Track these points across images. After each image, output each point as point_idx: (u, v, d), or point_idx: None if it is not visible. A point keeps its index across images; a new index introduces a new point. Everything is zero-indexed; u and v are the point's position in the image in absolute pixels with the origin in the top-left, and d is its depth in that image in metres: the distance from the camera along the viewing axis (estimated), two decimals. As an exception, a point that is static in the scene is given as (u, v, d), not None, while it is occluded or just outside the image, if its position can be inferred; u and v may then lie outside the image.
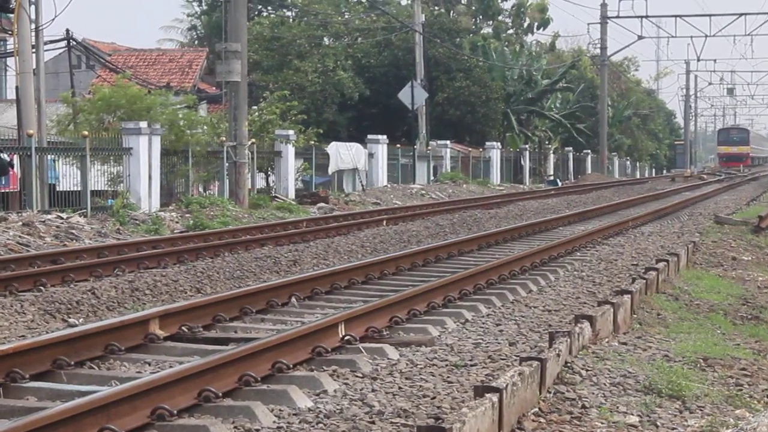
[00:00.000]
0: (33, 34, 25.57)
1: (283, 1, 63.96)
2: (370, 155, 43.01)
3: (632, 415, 7.54)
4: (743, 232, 23.68)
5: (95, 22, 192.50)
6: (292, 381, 8.29)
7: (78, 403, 6.74)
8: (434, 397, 7.91)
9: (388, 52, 57.22)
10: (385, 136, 44.36)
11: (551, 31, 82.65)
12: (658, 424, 7.37)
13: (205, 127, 32.15)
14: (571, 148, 75.55)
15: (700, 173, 78.65)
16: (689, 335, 10.92)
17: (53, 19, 33.97)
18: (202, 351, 9.45)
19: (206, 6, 65.48)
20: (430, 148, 50.78)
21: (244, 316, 11.53)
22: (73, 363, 8.79)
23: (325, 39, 58.25)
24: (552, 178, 65.59)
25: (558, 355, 8.33)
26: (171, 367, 8.44)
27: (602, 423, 7.30)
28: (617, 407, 7.70)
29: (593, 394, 7.98)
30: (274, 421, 7.30)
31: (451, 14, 68.23)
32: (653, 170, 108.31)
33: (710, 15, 66.28)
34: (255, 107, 36.30)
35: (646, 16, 67.18)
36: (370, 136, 44.15)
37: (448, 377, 8.60)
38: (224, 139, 30.00)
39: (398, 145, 47.44)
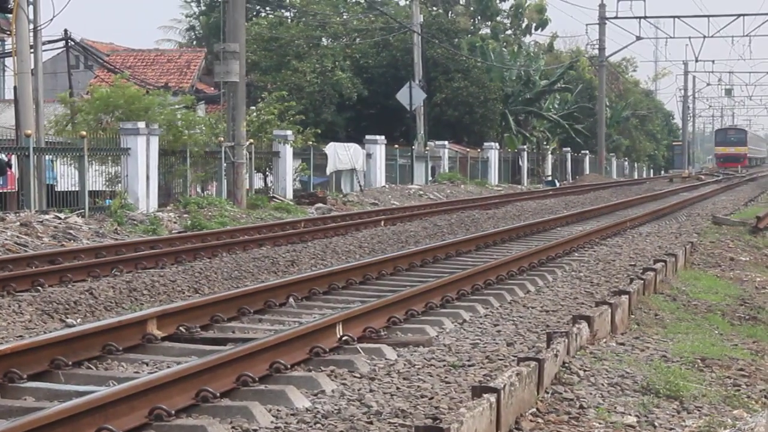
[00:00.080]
0: (31, 34, 25.56)
1: (281, 1, 63.94)
2: (368, 156, 43.02)
3: (630, 415, 7.54)
4: (741, 233, 23.70)
5: (93, 23, 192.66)
6: (289, 381, 8.29)
7: (76, 404, 6.74)
8: (432, 398, 7.91)
9: (386, 52, 57.24)
10: (383, 137, 44.37)
11: (549, 32, 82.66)
12: (656, 424, 7.38)
13: (203, 128, 32.14)
14: (569, 149, 75.58)
15: (698, 174, 78.67)
16: (687, 336, 10.92)
17: (51, 19, 33.98)
18: (200, 351, 9.45)
19: (204, 6, 65.49)
20: (428, 148, 50.79)
21: (242, 317, 11.52)
22: (70, 363, 8.79)
23: (324, 39, 58.26)
24: (550, 178, 65.62)
25: (556, 356, 8.33)
26: (169, 367, 8.44)
27: (600, 423, 7.30)
28: (615, 407, 7.70)
29: (591, 394, 7.99)
30: (272, 422, 7.30)
31: (450, 15, 68.25)
32: (651, 171, 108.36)
33: (708, 16, 66.29)
34: (253, 107, 36.31)
35: (645, 17, 67.22)
36: (368, 137, 44.15)
37: (446, 377, 8.60)
38: (222, 139, 30.00)
39: (396, 146, 47.45)
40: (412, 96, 46.35)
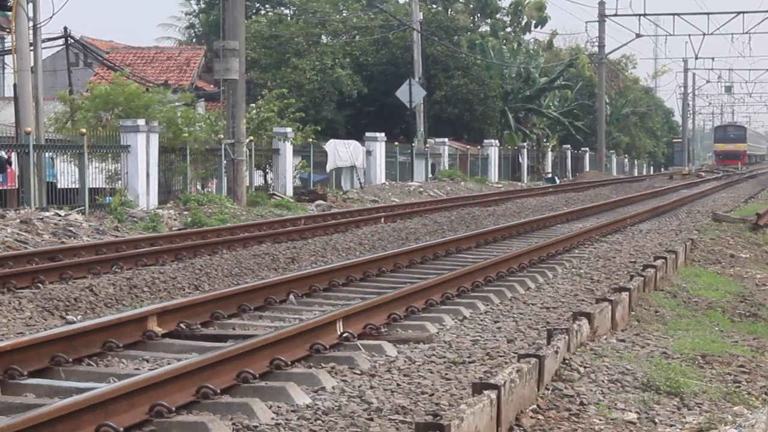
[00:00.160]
0: (31, 31, 25.54)
1: (281, -2, 63.99)
2: (368, 153, 43.01)
3: (630, 411, 7.54)
4: (741, 230, 23.70)
5: (93, 20, 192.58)
6: (290, 378, 8.29)
7: (76, 400, 6.74)
8: (432, 394, 7.91)
9: (386, 50, 57.23)
10: (383, 134, 44.36)
11: (549, 29, 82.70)
12: (657, 420, 7.38)
13: (203, 125, 32.14)
14: (569, 146, 75.57)
15: (698, 171, 78.67)
16: (687, 332, 10.92)
17: (51, 17, 34.05)
18: (201, 348, 9.46)
19: (204, 4, 65.46)
20: (428, 145, 50.79)
21: (242, 313, 11.53)
22: (71, 360, 8.79)
23: (323, 37, 58.26)
24: (550, 175, 65.60)
25: (556, 352, 8.33)
26: (169, 364, 8.44)
27: (600, 420, 7.30)
28: (615, 404, 7.70)
29: (591, 391, 7.99)
30: (273, 418, 7.30)
31: (449, 12, 68.21)
32: (651, 168, 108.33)
33: (708, 13, 66.26)
34: (253, 105, 36.29)
35: (644, 14, 67.26)
36: (368, 134, 44.14)
37: (447, 374, 8.60)
38: (222, 136, 29.99)
39: (396, 143, 47.44)
40: (411, 93, 46.35)
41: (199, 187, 32.25)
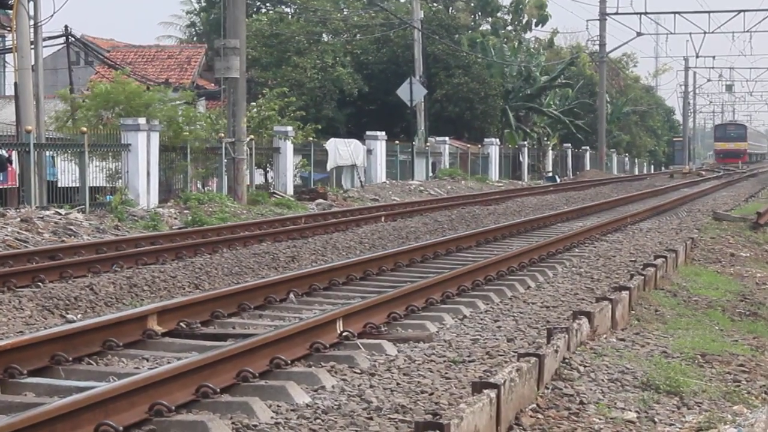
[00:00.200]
0: (31, 30, 25.54)
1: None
2: (369, 152, 43.01)
3: (630, 411, 7.54)
4: (741, 229, 23.69)
5: (94, 19, 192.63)
6: (290, 377, 8.29)
7: (76, 399, 6.74)
8: (432, 393, 7.91)
9: (386, 48, 57.23)
10: (383, 133, 44.36)
11: (550, 28, 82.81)
12: (656, 420, 7.38)
13: (204, 124, 32.13)
14: (569, 145, 75.56)
15: (698, 170, 78.64)
16: (687, 331, 10.92)
17: (52, 16, 34.09)
18: (200, 347, 9.45)
19: (205, 2, 65.46)
20: (428, 144, 50.78)
21: (242, 312, 11.53)
22: (71, 359, 8.79)
23: (324, 35, 58.25)
24: (550, 174, 65.59)
25: (556, 352, 8.33)
26: (169, 363, 8.44)
27: (600, 419, 7.30)
28: (615, 403, 7.70)
29: (591, 390, 7.99)
30: (272, 417, 7.30)
31: (450, 11, 68.18)
32: (652, 167, 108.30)
33: (709, 12, 66.24)
34: (254, 103, 36.29)
35: (645, 13, 67.21)
36: (368, 133, 44.15)
37: (446, 373, 8.60)
38: (223, 135, 29.99)
39: (397, 142, 47.44)
40: (412, 92, 46.34)
41: (199, 185, 32.25)
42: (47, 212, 22.03)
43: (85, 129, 25.64)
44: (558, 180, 61.29)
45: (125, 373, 8.34)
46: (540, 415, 7.24)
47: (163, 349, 9.63)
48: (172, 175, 30.14)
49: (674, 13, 66.53)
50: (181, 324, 10.42)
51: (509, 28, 76.24)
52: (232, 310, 11.45)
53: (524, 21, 76.91)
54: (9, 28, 27.44)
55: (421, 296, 12.00)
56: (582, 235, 20.59)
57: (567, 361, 8.62)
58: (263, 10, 63.44)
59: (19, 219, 20.51)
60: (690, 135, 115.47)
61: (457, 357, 9.19)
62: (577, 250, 18.69)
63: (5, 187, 25.39)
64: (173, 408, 7.14)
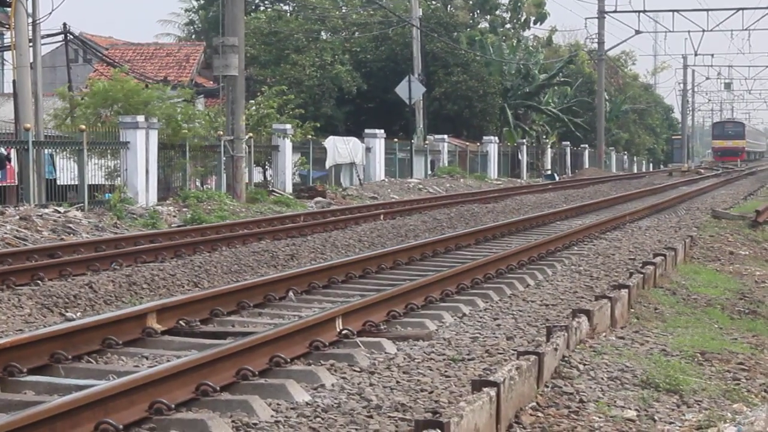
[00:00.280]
0: (30, 27, 25.53)
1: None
2: (368, 149, 43.00)
3: (630, 409, 7.54)
4: (740, 227, 23.69)
5: (92, 16, 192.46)
6: (289, 375, 8.29)
7: (75, 397, 6.74)
8: (432, 392, 7.91)
9: (385, 46, 57.22)
10: (382, 131, 44.36)
11: (548, 26, 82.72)
12: (656, 418, 7.38)
13: (203, 122, 32.12)
14: (568, 143, 75.55)
15: (697, 168, 78.64)
16: (687, 329, 10.92)
17: (50, 13, 34.03)
18: (200, 345, 9.45)
19: (203, 0, 65.43)
20: (427, 142, 50.77)
21: (241, 311, 11.53)
22: (70, 357, 8.79)
23: (323, 33, 58.22)
24: (549, 172, 65.58)
25: (555, 350, 8.33)
26: (169, 361, 8.45)
27: (600, 417, 7.30)
28: (615, 401, 7.70)
29: (591, 388, 7.99)
30: (272, 416, 7.30)
31: (448, 8, 68.16)
32: (650, 165, 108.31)
33: (708, 10, 66.23)
34: (252, 101, 36.30)
35: (644, 11, 67.21)
36: (367, 131, 44.14)
37: (446, 371, 8.60)
38: (221, 133, 29.98)
39: (395, 140, 47.43)
40: (411, 90, 46.31)
41: (198, 183, 32.25)
42: (46, 210, 22.02)
43: (83, 127, 25.63)
44: (557, 178, 61.29)
45: (125, 371, 8.34)
46: (540, 414, 7.24)
47: (163, 348, 9.62)
48: (171, 173, 30.13)
49: (673, 11, 66.56)
50: (181, 322, 10.42)
51: (508, 26, 76.21)
52: (232, 309, 11.44)
53: (523, 19, 76.86)
54: (7, 26, 27.42)
55: (421, 294, 12.00)
56: (581, 233, 20.59)
57: (566, 359, 8.61)
58: (262, 8, 63.41)
59: (18, 217, 20.50)
60: (689, 133, 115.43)
61: (457, 355, 9.19)
62: (576, 248, 18.69)
63: (4, 185, 25.38)
64: (173, 406, 7.14)
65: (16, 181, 25.08)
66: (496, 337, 10.09)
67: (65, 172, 25.86)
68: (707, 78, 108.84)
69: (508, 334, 10.24)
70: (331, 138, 41.01)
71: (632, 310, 11.59)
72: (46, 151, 25.06)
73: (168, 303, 10.71)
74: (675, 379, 8.23)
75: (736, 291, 14.57)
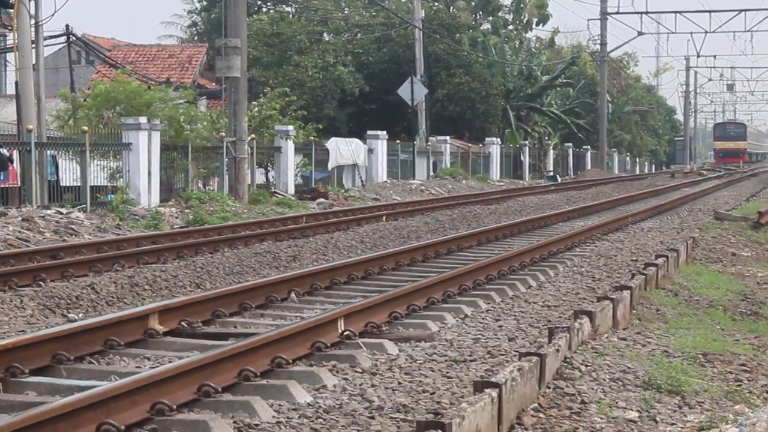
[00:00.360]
0: (32, 29, 25.54)
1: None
2: (370, 151, 43.00)
3: (632, 410, 7.54)
4: (743, 228, 23.69)
5: (95, 18, 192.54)
6: (291, 376, 8.29)
7: (77, 398, 6.74)
8: (434, 393, 7.91)
9: (387, 48, 57.23)
10: (384, 132, 44.35)
11: (551, 27, 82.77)
12: (658, 419, 7.38)
13: (205, 123, 32.13)
14: (570, 144, 75.54)
15: (699, 169, 78.60)
16: (689, 331, 10.92)
17: (53, 15, 34.08)
18: (202, 346, 9.45)
19: (206, 2, 65.45)
20: (429, 143, 50.77)
21: (243, 312, 11.53)
22: (72, 358, 8.79)
23: (325, 35, 58.23)
24: (552, 173, 65.56)
25: (557, 351, 8.33)
26: (170, 362, 8.45)
27: (602, 418, 7.30)
28: (617, 402, 7.70)
29: (593, 389, 7.99)
30: (274, 416, 7.30)
31: (451, 10, 68.16)
32: (653, 166, 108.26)
33: (710, 11, 66.20)
34: (255, 103, 36.28)
35: (646, 12, 67.20)
36: (369, 132, 44.14)
37: (448, 372, 8.60)
38: (224, 134, 30.00)
39: (398, 141, 47.43)
40: (413, 91, 46.34)
41: (200, 185, 32.25)
42: (48, 211, 22.03)
43: (86, 128, 25.63)
44: (559, 179, 61.26)
45: (127, 372, 8.34)
46: (541, 415, 7.24)
47: (165, 349, 9.63)
48: (174, 175, 30.13)
49: (675, 12, 66.57)
50: (183, 323, 10.42)
51: (510, 27, 76.24)
52: (234, 310, 11.45)
53: (525, 20, 76.91)
54: (10, 27, 27.43)
55: (423, 295, 12.00)
56: (583, 234, 20.58)
57: (568, 360, 8.61)
58: (264, 10, 63.43)
59: (20, 218, 20.51)
60: (691, 134, 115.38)
61: (459, 356, 9.19)
62: (578, 249, 18.69)
63: (7, 186, 25.39)
64: (175, 407, 7.15)
65: (19, 183, 25.08)
66: (498, 339, 10.08)
67: (68, 173, 25.87)
68: (710, 79, 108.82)
69: (510, 336, 10.24)
70: (333, 139, 41.01)
71: (634, 312, 11.59)
72: (48, 152, 25.06)
73: (170, 304, 10.72)
74: (677, 381, 8.22)
75: (738, 292, 14.57)
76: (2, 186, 25.26)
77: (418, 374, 8.55)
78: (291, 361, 8.70)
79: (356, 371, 8.67)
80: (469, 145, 57.68)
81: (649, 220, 25.87)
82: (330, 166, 39.83)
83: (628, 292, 11.43)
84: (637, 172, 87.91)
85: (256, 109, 35.18)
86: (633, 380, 8.32)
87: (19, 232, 19.30)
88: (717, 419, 7.27)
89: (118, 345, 9.41)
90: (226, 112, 31.53)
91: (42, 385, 8.04)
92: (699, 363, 9.20)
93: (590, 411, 7.45)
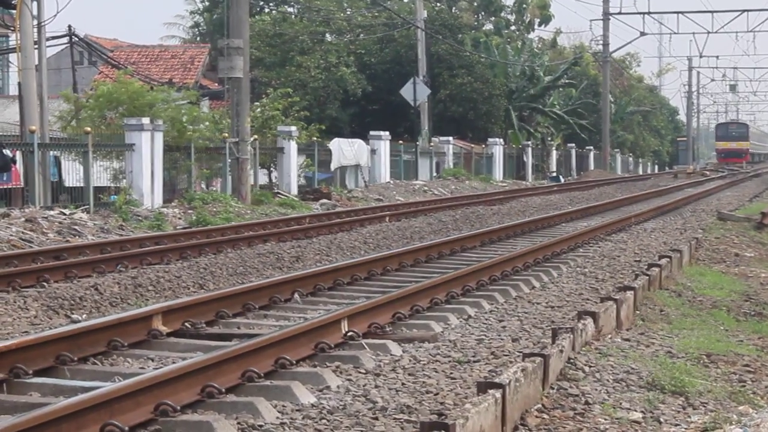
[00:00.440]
0: (35, 30, 25.56)
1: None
2: (373, 151, 43.01)
3: (635, 411, 7.54)
4: (746, 229, 23.68)
5: (97, 19, 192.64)
6: (295, 377, 8.29)
7: (81, 399, 6.74)
8: (437, 393, 7.91)
9: (390, 48, 57.25)
10: (387, 133, 44.35)
11: (553, 28, 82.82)
12: (662, 420, 7.37)
13: (208, 124, 32.14)
14: (573, 145, 75.53)
15: (702, 170, 78.55)
16: (692, 331, 10.91)
17: (55, 15, 34.06)
18: (205, 347, 9.46)
19: (208, 2, 65.48)
20: (432, 144, 50.77)
21: (247, 312, 11.53)
22: (76, 359, 8.79)
23: (328, 35, 58.24)
24: (554, 174, 65.53)
25: (561, 352, 8.33)
26: (174, 363, 8.45)
27: (605, 419, 7.30)
28: (620, 403, 7.70)
29: (596, 390, 7.98)
30: (278, 417, 7.30)
31: (453, 10, 68.17)
32: (656, 167, 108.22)
33: (712, 11, 66.22)
34: (257, 103, 36.28)
35: (649, 13, 67.23)
36: (372, 133, 44.14)
37: (451, 373, 8.60)
38: (226, 135, 30.00)
39: (401, 142, 47.44)
40: (416, 92, 46.33)
41: (203, 185, 32.26)
42: (51, 212, 22.04)
43: (88, 129, 25.64)
44: (562, 180, 61.24)
45: (130, 373, 8.34)
46: (545, 415, 7.24)
47: (168, 349, 9.63)
48: (177, 175, 30.15)
49: (678, 12, 66.58)
50: (186, 324, 10.42)
51: (512, 27, 76.27)
52: (237, 310, 11.45)
53: (527, 21, 76.94)
54: (12, 28, 27.46)
55: (426, 296, 12.00)
56: (586, 235, 20.58)
57: (572, 361, 8.61)
58: (267, 10, 63.46)
59: (23, 219, 20.52)
60: (694, 135, 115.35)
61: (462, 357, 9.19)
62: (581, 250, 18.68)
63: (9, 187, 25.40)
64: (178, 408, 7.15)
65: (22, 183, 25.09)
66: (502, 339, 10.08)
67: (71, 174, 25.88)
68: (712, 80, 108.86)
69: (514, 336, 10.24)
70: (336, 140, 41.01)
71: (638, 312, 11.58)
72: (51, 153, 25.07)
73: (173, 305, 10.72)
74: (680, 381, 8.22)
75: (742, 293, 14.56)
76: (5, 187, 25.28)
77: (422, 375, 8.54)
78: (294, 361, 8.70)
79: (360, 372, 8.67)
80: (472, 145, 57.68)
81: (652, 221, 25.85)
82: (333, 166, 39.83)
83: (632, 292, 11.43)
84: (640, 173, 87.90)
85: (259, 109, 35.18)
86: (637, 381, 8.32)
87: (23, 232, 19.31)
88: (721, 420, 7.27)
89: (122, 346, 9.41)
90: (228, 113, 31.54)
91: (46, 385, 8.04)
92: (703, 364, 9.20)
93: (594, 412, 7.45)
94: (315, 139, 37.43)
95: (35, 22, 25.58)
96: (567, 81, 71.94)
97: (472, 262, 15.81)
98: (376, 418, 7.21)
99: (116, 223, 22.28)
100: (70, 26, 42.17)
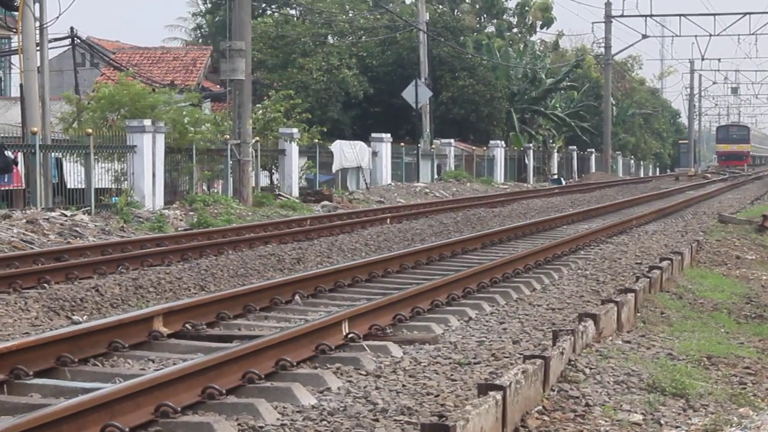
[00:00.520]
0: (37, 31, 25.57)
1: (287, -1, 64.02)
2: (374, 153, 43.01)
3: (636, 413, 7.53)
4: (747, 231, 23.68)
5: (100, 21, 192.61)
6: (295, 378, 8.29)
7: (82, 400, 6.75)
8: (438, 395, 7.91)
9: (392, 50, 57.26)
10: (389, 135, 44.36)
11: (555, 30, 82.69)
12: (662, 422, 7.37)
13: (209, 125, 32.15)
14: (575, 147, 75.54)
15: (704, 172, 78.55)
16: (693, 334, 10.91)
17: (58, 17, 34.12)
18: (206, 348, 9.46)
19: (211, 5, 65.52)
20: (434, 146, 50.77)
21: (247, 314, 11.53)
22: (76, 360, 8.79)
23: (330, 37, 58.27)
24: (556, 176, 65.53)
25: (562, 354, 8.33)
26: (175, 364, 8.45)
27: (606, 421, 7.30)
28: (621, 405, 7.69)
29: (597, 392, 7.98)
30: (278, 419, 7.30)
31: (455, 13, 68.20)
32: (657, 169, 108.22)
33: (715, 14, 66.26)
34: (259, 105, 36.31)
35: (651, 15, 67.24)
36: (374, 135, 44.15)
37: (452, 375, 8.60)
38: (228, 137, 30.01)
39: (402, 144, 47.44)
40: (417, 94, 46.32)
41: (205, 187, 32.27)
42: (53, 214, 22.05)
43: (90, 131, 25.65)
44: (563, 182, 61.23)
45: (131, 374, 8.34)
46: (546, 417, 7.24)
47: (169, 351, 9.64)
48: (178, 177, 30.16)
49: (680, 15, 66.61)
50: (187, 325, 10.43)
51: (514, 30, 76.29)
52: (238, 312, 11.45)
53: (529, 23, 76.96)
54: (15, 30, 27.48)
55: (427, 298, 12.00)
56: (587, 237, 20.58)
57: (573, 363, 8.61)
58: (269, 12, 63.49)
59: (24, 220, 20.53)
60: (695, 138, 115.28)
61: (463, 359, 9.19)
62: (582, 252, 18.68)
63: (11, 188, 25.41)
64: (179, 409, 7.15)
65: (23, 185, 25.10)
66: (503, 341, 10.08)
67: (72, 175, 25.89)
68: (714, 82, 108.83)
69: (515, 338, 10.24)
70: (337, 142, 41.02)
71: (639, 315, 11.58)
72: (52, 155, 25.08)
73: (174, 306, 10.72)
74: (681, 383, 8.22)
75: (743, 295, 14.56)
76: (7, 188, 25.29)
77: (423, 377, 8.55)
78: (295, 363, 8.71)
79: (360, 374, 8.68)
80: (474, 147, 57.68)
81: (654, 223, 25.85)
82: (334, 168, 39.84)
83: (633, 295, 11.42)
84: (642, 176, 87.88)
85: (261, 111, 35.21)
86: (637, 383, 8.32)
87: (24, 234, 19.32)
88: (721, 422, 7.26)
89: (123, 347, 9.41)
90: (230, 115, 31.57)
91: (46, 387, 8.05)
92: (703, 366, 9.19)
93: (594, 414, 7.45)
94: (316, 141, 37.45)
95: (37, 23, 25.59)
96: (569, 83, 71.97)
97: (473, 264, 15.81)
98: (377, 420, 7.21)
99: (117, 225, 22.29)
100: (72, 28, 42.24)
